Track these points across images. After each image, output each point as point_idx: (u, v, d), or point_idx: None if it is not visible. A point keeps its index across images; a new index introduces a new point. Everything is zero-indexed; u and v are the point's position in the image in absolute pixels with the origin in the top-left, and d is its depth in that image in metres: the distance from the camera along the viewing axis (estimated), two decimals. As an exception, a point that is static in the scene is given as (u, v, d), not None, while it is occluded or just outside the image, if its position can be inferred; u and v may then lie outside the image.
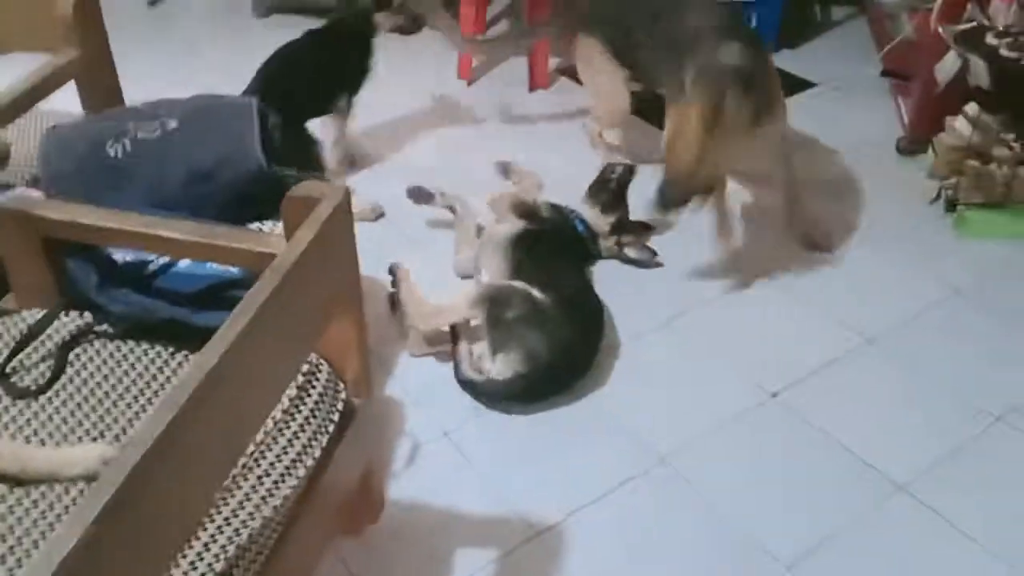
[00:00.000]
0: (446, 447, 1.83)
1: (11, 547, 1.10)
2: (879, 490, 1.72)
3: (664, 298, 2.21)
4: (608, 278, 2.27)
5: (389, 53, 3.42)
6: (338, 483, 1.41)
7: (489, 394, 1.90)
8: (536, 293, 1.92)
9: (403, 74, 3.23)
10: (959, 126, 2.41)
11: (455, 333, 1.99)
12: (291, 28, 3.58)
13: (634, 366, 2.03)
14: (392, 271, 2.14)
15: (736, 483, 1.74)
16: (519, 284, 1.95)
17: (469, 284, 2.16)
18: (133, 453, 0.86)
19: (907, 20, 3.08)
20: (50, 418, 1.30)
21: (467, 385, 1.92)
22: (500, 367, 1.86)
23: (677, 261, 2.31)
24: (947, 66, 2.42)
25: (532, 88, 3.13)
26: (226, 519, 1.17)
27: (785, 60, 3.28)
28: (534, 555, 1.62)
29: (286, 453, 1.28)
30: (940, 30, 2.43)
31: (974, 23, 2.36)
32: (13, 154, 1.86)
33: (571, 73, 3.23)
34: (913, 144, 2.70)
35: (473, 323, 1.95)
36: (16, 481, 1.19)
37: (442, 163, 2.76)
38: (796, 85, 3.14)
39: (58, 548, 0.75)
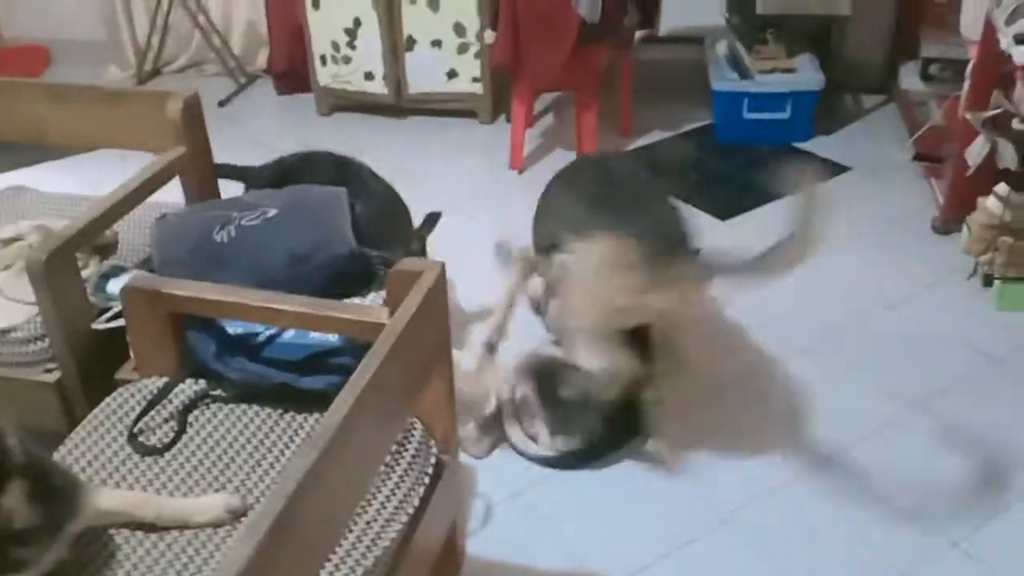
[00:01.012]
0: (517, 506, 1.95)
1: (155, 582, 1.24)
2: (929, 549, 1.81)
3: (727, 355, 2.33)
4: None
5: (442, 138, 3.67)
6: (430, 536, 1.54)
7: (554, 465, 2.03)
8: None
9: (455, 158, 3.45)
10: (991, 205, 2.54)
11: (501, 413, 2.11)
12: (353, 124, 3.87)
13: (704, 422, 2.14)
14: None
15: (798, 543, 1.84)
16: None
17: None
18: (288, 483, 1.01)
19: (935, 107, 3.26)
20: (175, 473, 1.46)
21: (533, 459, 2.05)
22: (560, 444, 2.01)
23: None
24: (976, 149, 2.57)
25: (581, 176, 3.32)
26: (342, 559, 1.30)
27: (820, 146, 3.46)
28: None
29: (385, 507, 1.42)
30: (968, 116, 2.60)
31: (1000, 109, 2.52)
32: (123, 240, 2.07)
33: (617, 161, 3.44)
34: (947, 223, 2.84)
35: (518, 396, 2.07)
36: (151, 527, 1.33)
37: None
38: (832, 170, 3.31)
39: None
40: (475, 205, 3.18)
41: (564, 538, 1.87)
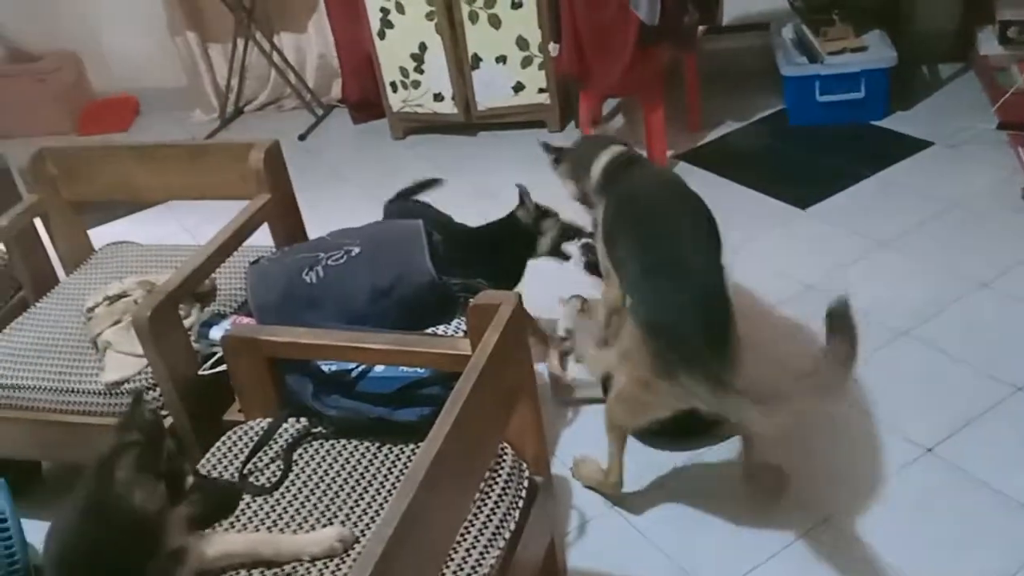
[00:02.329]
0: (614, 518, 1.98)
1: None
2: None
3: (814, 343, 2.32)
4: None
5: (514, 150, 3.72)
6: (530, 554, 1.59)
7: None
8: None
9: (529, 168, 3.49)
10: (1082, 170, 2.46)
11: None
12: (427, 145, 3.96)
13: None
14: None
15: (899, 538, 1.83)
16: None
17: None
18: (388, 524, 1.07)
19: (1018, 71, 3.15)
20: (285, 510, 1.54)
21: None
22: None
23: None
24: (1062, 115, 2.49)
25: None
26: (445, 586, 1.37)
27: (899, 122, 3.39)
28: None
29: (483, 533, 1.47)
30: (1050, 81, 2.51)
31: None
32: (220, 287, 2.19)
33: (689, 157, 3.43)
34: (1039, 192, 2.76)
35: None
36: (270, 563, 1.42)
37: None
38: (912, 146, 3.23)
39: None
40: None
41: (662, 546, 1.90)
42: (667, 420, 1.79)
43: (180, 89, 4.66)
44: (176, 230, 3.40)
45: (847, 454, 2.05)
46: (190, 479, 1.34)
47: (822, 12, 3.53)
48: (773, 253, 2.79)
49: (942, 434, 2.04)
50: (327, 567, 1.41)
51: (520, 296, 1.48)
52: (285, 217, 2.23)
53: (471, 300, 1.50)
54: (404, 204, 2.46)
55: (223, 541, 1.41)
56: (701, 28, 3.44)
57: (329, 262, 1.98)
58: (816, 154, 3.34)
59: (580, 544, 1.94)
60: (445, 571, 1.39)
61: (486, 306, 1.46)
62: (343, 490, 1.56)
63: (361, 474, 1.58)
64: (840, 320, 1.51)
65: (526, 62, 3.67)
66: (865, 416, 2.14)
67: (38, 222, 2.39)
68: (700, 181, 3.09)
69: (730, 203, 2.89)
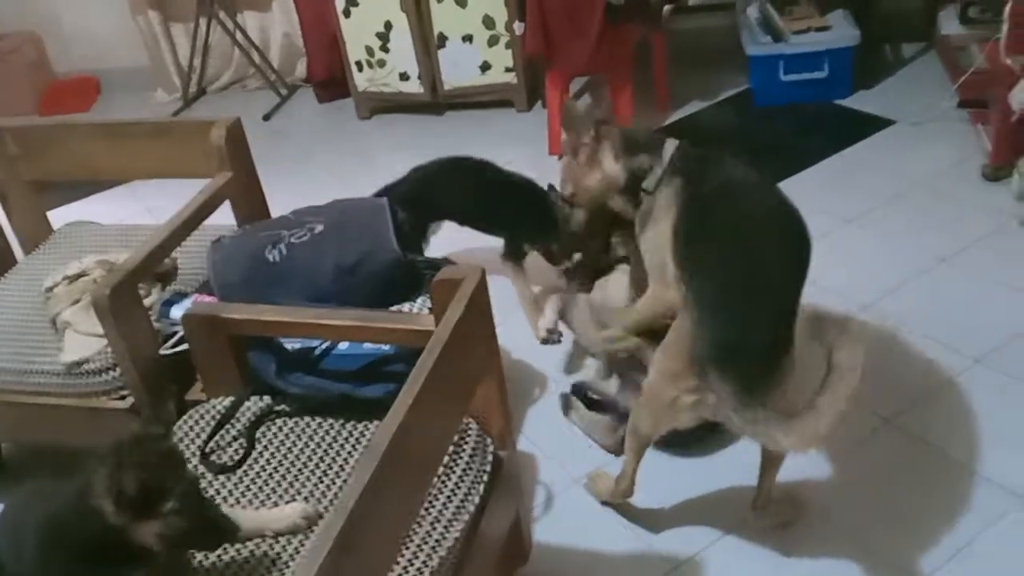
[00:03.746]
0: (580, 493, 1.99)
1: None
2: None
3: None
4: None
5: (480, 130, 3.71)
6: (494, 528, 1.59)
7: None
8: None
9: (497, 148, 3.48)
10: (1039, 148, 2.49)
11: None
12: (393, 125, 3.94)
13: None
14: None
15: (861, 508, 1.85)
16: None
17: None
18: (350, 497, 1.07)
19: (977, 51, 3.18)
20: (248, 488, 1.53)
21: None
22: None
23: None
24: (1020, 94, 2.52)
25: (621, 156, 3.33)
26: (409, 560, 1.37)
27: (862, 101, 3.42)
28: (674, 585, 1.76)
29: (447, 507, 1.47)
30: (1008, 60, 2.54)
31: (1041, 51, 2.46)
32: (181, 266, 2.16)
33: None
34: (997, 170, 2.78)
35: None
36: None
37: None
38: (876, 124, 3.26)
39: None
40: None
41: (628, 521, 1.91)
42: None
43: (142, 69, 4.58)
44: (138, 211, 3.35)
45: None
46: (170, 504, 1.22)
47: (787, -9, 3.54)
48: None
49: (903, 405, 2.07)
50: (290, 543, 1.41)
51: (483, 271, 1.48)
52: (247, 195, 2.20)
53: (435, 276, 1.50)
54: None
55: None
56: (668, 7, 3.43)
57: (292, 240, 1.96)
58: (781, 133, 3.36)
59: (546, 519, 1.94)
60: (409, 545, 1.39)
61: (449, 281, 1.45)
62: (307, 467, 1.55)
63: (325, 451, 1.58)
64: (845, 330, 1.47)
65: (492, 41, 3.65)
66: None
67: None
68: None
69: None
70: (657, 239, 1.80)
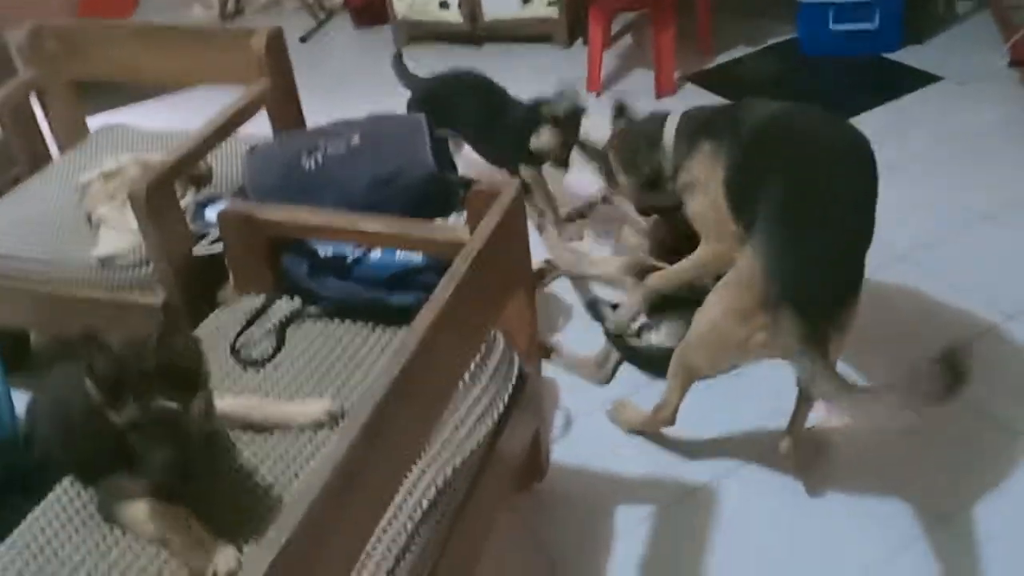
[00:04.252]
0: (599, 418, 2.00)
1: (263, 475, 1.35)
2: None
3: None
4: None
5: (518, 64, 3.67)
6: (514, 441, 1.61)
7: (653, 360, 2.06)
8: None
9: (532, 85, 3.45)
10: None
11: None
12: (430, 55, 3.89)
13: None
14: None
15: (893, 465, 1.86)
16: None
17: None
18: (378, 388, 1.08)
19: (1034, 9, 3.10)
20: (275, 384, 1.55)
21: (627, 350, 2.10)
22: (663, 337, 2.05)
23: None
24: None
25: (659, 95, 3.29)
26: (432, 458, 1.38)
27: (910, 55, 3.34)
28: (688, 511, 1.78)
29: (471, 413, 1.49)
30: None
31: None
32: (217, 172, 2.17)
33: (698, 79, 3.39)
34: (1045, 130, 2.73)
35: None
36: (258, 428, 1.44)
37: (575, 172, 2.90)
38: (922, 79, 3.19)
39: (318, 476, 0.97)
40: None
41: (643, 446, 1.92)
42: None
43: (182, -14, 4.57)
44: (175, 122, 3.34)
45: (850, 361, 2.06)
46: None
47: (841, -62, 3.44)
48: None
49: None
50: (313, 440, 1.42)
51: (520, 184, 1.47)
52: (284, 105, 2.20)
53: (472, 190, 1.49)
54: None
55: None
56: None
57: (329, 150, 1.96)
58: (825, 82, 3.31)
59: (564, 442, 1.96)
60: (429, 449, 1.40)
61: (487, 192, 1.45)
62: (334, 367, 1.56)
63: (353, 353, 1.59)
64: (955, 364, 1.36)
65: (536, -27, 3.60)
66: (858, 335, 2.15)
67: (35, 103, 2.36)
68: (706, 103, 3.05)
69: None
70: (707, 202, 1.81)
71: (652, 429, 1.91)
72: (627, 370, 2.14)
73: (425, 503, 1.31)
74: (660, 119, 1.97)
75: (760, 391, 1.97)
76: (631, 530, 1.75)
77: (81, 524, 1.32)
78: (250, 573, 0.88)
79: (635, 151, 2.00)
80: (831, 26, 3.36)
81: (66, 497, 1.37)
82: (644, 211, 2.25)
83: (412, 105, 2.63)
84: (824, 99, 3.17)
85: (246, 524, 1.27)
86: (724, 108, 1.93)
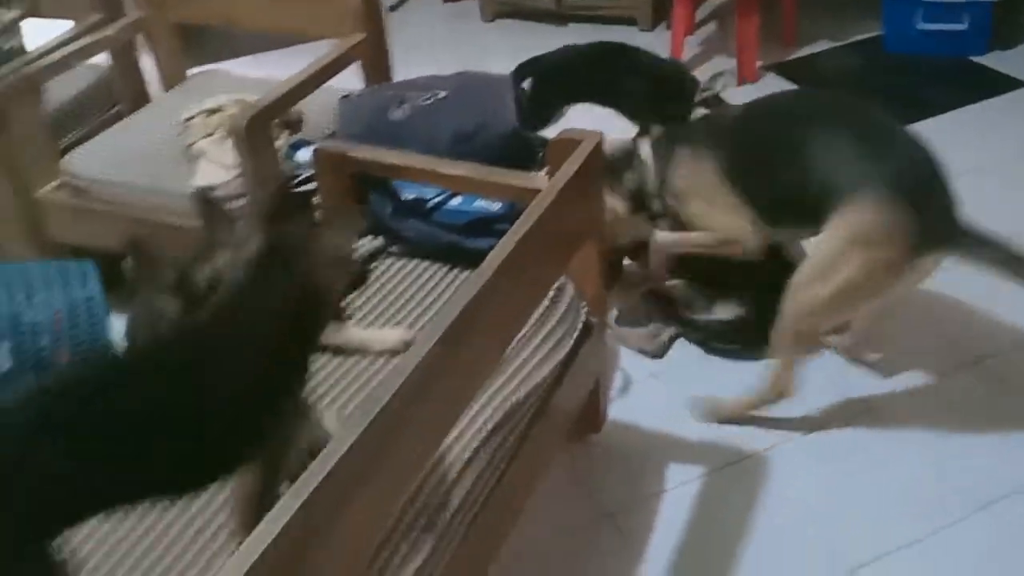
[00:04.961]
0: (656, 384, 2.06)
1: (340, 392, 1.44)
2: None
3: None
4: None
5: (564, 41, 3.68)
6: (577, 386, 1.68)
7: (713, 333, 2.13)
8: None
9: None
10: None
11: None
12: (515, 31, 3.97)
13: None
14: None
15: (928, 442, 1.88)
16: None
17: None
18: (452, 310, 1.13)
19: None
20: (356, 311, 1.64)
21: (689, 325, 2.15)
22: (722, 311, 2.10)
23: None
24: None
25: (740, 82, 3.31)
26: (496, 390, 1.45)
27: (998, 60, 3.30)
28: (737, 476, 1.83)
29: (537, 352, 1.56)
30: None
31: None
32: (307, 120, 2.26)
33: (779, 70, 3.40)
34: None
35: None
36: (337, 351, 1.53)
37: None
38: (1007, 84, 3.16)
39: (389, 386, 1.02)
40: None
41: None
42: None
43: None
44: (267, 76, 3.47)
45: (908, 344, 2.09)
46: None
47: (937, -64, 3.42)
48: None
49: (990, 350, 2.07)
50: (387, 365, 1.51)
51: (602, 136, 1.53)
52: (376, 58, 2.29)
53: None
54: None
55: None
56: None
57: (417, 102, 2.04)
58: (907, 81, 3.29)
59: (621, 401, 2.01)
60: (498, 379, 1.47)
61: (568, 140, 1.51)
62: (412, 301, 1.65)
63: (430, 291, 1.68)
64: None
65: (626, -46, 3.64)
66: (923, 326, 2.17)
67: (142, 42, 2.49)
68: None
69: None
70: (703, 204, 1.95)
71: (769, 399, 1.89)
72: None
73: (490, 426, 1.39)
74: (632, 143, 2.11)
75: (815, 364, 2.01)
76: (680, 489, 1.81)
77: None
78: (337, 444, 0.94)
79: (616, 174, 2.07)
80: (918, 24, 3.34)
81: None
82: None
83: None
84: (904, 97, 3.18)
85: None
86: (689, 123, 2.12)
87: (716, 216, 1.95)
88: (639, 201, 2.09)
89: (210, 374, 1.01)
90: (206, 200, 1.22)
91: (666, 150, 2.03)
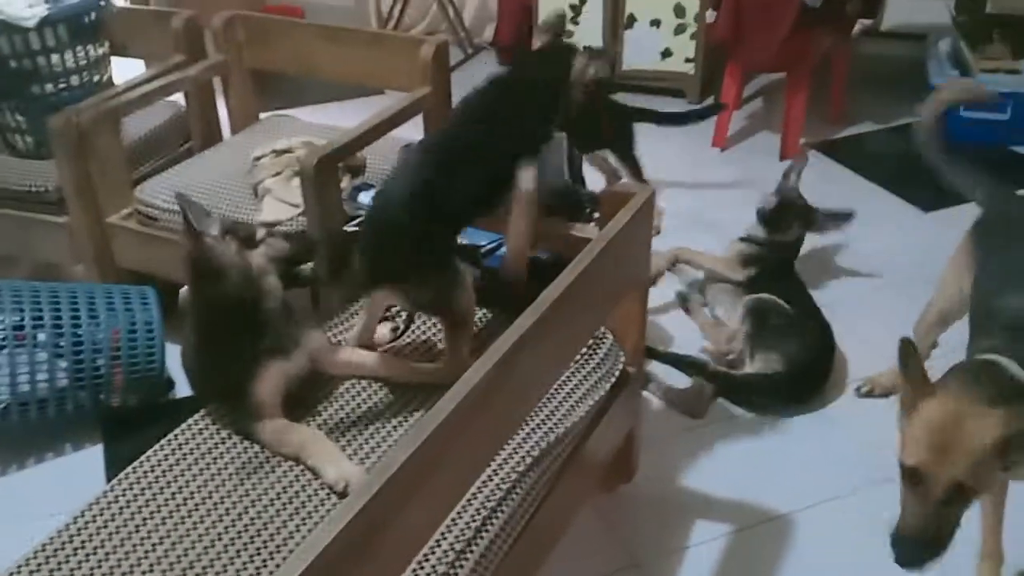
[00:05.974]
0: (689, 438, 2.11)
1: (377, 428, 1.51)
2: None
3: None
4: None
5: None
6: (611, 434, 1.73)
7: (749, 388, 2.20)
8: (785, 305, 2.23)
9: (660, 134, 3.61)
10: None
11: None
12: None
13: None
14: None
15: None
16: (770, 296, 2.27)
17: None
18: (492, 357, 1.20)
19: None
20: (402, 348, 1.72)
21: (723, 379, 2.22)
22: (759, 365, 2.16)
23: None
24: None
25: (783, 158, 3.39)
26: (533, 428, 1.52)
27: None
28: (765, 536, 1.86)
29: (571, 396, 1.62)
30: None
31: None
32: (370, 165, 2.38)
33: (822, 147, 3.48)
34: None
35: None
36: (383, 382, 1.61)
37: (690, 223, 3.02)
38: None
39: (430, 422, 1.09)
40: (677, 179, 3.31)
41: (730, 471, 2.01)
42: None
43: (345, 8, 4.91)
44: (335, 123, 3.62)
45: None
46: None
47: (983, 29, 3.52)
48: (888, 249, 2.86)
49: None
50: (432, 396, 1.57)
51: (654, 191, 1.61)
52: (440, 113, 2.40)
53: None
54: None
55: (354, 353, 1.60)
56: (859, 23, 3.48)
57: (474, 155, 2.14)
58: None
59: (653, 452, 2.06)
60: (537, 415, 1.53)
61: (621, 194, 1.59)
62: (456, 341, 1.72)
63: (474, 331, 1.74)
64: None
65: (679, 29, 3.78)
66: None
67: (217, 84, 2.64)
68: (828, 171, 3.17)
69: (853, 196, 3.00)
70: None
71: None
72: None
73: (527, 461, 1.45)
74: None
75: (849, 429, 2.04)
76: (708, 545, 1.84)
77: (221, 441, 1.51)
78: (382, 469, 1.01)
79: None
80: (962, 112, 3.41)
81: (203, 423, 1.56)
82: None
83: None
84: (940, 180, 3.23)
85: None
86: None
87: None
88: None
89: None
90: (186, 200, 1.57)
91: None
